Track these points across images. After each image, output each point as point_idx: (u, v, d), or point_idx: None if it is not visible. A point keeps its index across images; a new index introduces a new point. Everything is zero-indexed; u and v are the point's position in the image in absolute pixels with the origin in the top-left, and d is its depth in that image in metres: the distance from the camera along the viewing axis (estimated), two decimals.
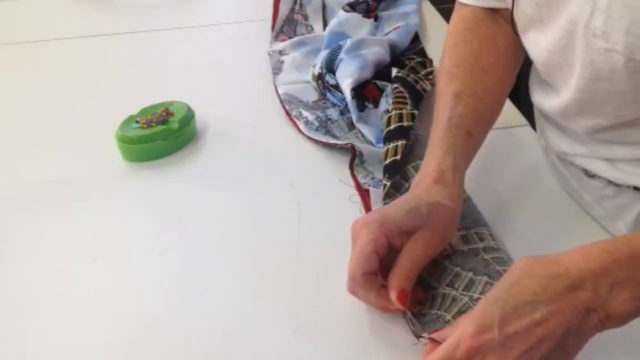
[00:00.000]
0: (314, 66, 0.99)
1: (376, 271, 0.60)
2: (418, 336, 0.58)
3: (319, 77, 0.96)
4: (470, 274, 0.62)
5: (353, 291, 0.62)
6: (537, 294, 0.50)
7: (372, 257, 0.59)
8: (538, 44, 0.66)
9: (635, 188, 0.66)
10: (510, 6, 0.68)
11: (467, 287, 0.61)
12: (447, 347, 0.52)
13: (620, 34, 0.55)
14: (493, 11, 0.74)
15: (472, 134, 0.69)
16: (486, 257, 0.63)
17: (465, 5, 0.76)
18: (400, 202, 0.63)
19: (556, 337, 0.50)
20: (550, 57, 0.64)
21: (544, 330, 0.50)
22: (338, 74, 0.94)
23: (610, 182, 0.68)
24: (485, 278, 0.61)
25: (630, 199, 0.67)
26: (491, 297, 0.52)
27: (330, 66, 0.96)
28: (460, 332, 0.51)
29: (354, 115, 0.88)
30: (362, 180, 0.79)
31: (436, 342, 0.55)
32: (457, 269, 0.63)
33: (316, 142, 0.87)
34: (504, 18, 0.73)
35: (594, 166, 0.69)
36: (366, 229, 0.60)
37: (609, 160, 0.67)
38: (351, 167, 0.81)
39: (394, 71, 0.91)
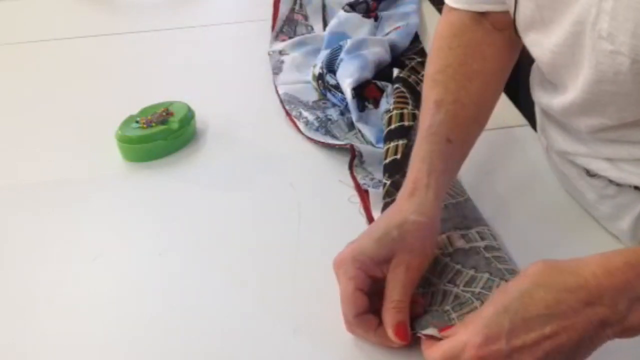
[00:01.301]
0: (314, 66, 0.99)
1: (367, 309, 0.58)
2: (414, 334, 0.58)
3: (319, 77, 0.96)
4: (471, 272, 0.62)
5: (352, 332, 0.60)
6: (550, 308, 0.49)
7: (357, 295, 0.58)
8: (540, 45, 0.65)
9: (636, 188, 0.66)
10: (510, 7, 0.68)
11: (468, 284, 0.61)
12: (451, 350, 0.52)
13: (626, 36, 0.54)
14: (481, 17, 0.73)
15: (451, 140, 0.67)
16: (487, 255, 0.63)
17: (453, 9, 0.74)
18: (370, 231, 0.62)
19: (565, 350, 0.49)
20: (554, 57, 0.64)
21: (553, 344, 0.49)
22: (338, 73, 0.94)
23: (611, 181, 0.68)
24: (486, 275, 0.61)
25: (631, 198, 0.67)
26: (501, 304, 0.51)
27: (331, 66, 0.96)
28: (466, 339, 0.50)
29: (354, 115, 0.88)
30: (361, 181, 0.79)
31: (432, 338, 0.55)
32: (458, 266, 0.63)
33: (316, 142, 0.87)
34: (492, 24, 0.73)
35: (595, 165, 0.68)
36: (341, 269, 0.59)
37: (610, 160, 0.67)
38: (350, 168, 0.81)
39: (396, 72, 0.91)
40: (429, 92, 0.70)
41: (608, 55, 0.57)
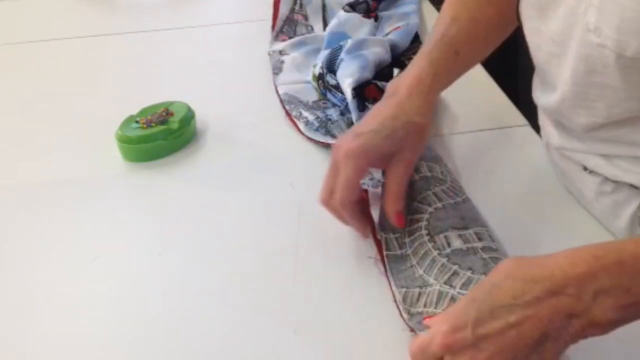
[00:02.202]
0: (314, 66, 0.99)
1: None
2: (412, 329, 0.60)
3: (320, 77, 0.96)
4: (468, 273, 0.62)
5: (329, 207, 0.69)
6: (516, 298, 0.50)
7: (359, 185, 0.67)
8: (540, 33, 0.66)
9: (632, 185, 0.66)
10: None
11: (465, 286, 0.61)
12: (422, 341, 0.53)
13: (611, 30, 0.55)
14: None
15: (459, 53, 0.73)
16: (485, 256, 0.63)
17: None
18: (377, 127, 0.68)
19: (531, 341, 0.49)
20: (553, 45, 0.65)
21: (518, 333, 0.49)
22: (339, 73, 0.94)
23: (607, 178, 0.68)
24: (483, 277, 0.61)
25: (627, 195, 0.67)
26: (470, 296, 0.52)
27: (331, 66, 0.96)
28: (436, 329, 0.52)
29: (354, 114, 0.88)
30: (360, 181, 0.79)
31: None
32: (455, 267, 0.63)
33: (316, 142, 0.87)
34: None
35: (592, 162, 0.69)
36: (350, 159, 0.66)
37: (606, 157, 0.67)
38: None
39: (396, 72, 0.91)
40: (448, 7, 0.77)
41: (595, 48, 0.58)
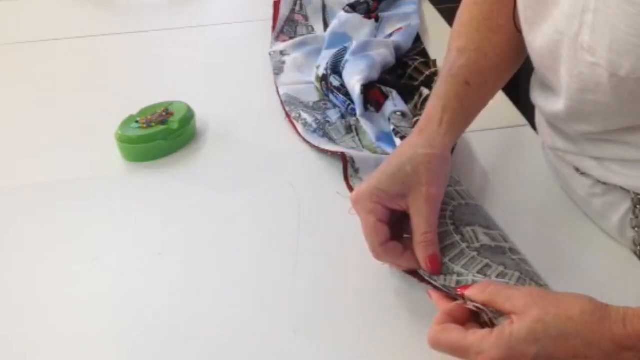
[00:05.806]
0: (317, 67, 0.99)
1: (390, 238, 0.62)
2: (455, 294, 0.58)
3: (323, 79, 0.96)
4: (501, 267, 0.61)
5: (379, 258, 0.63)
6: (578, 357, 0.50)
7: (378, 226, 0.61)
8: (529, 44, 0.67)
9: (622, 188, 0.67)
10: None
11: (501, 276, 0.60)
12: (462, 343, 0.52)
13: (604, 50, 0.56)
14: None
15: (470, 83, 0.69)
16: (513, 257, 0.63)
17: None
18: (385, 167, 0.64)
19: None
20: (540, 60, 0.66)
21: None
22: (345, 73, 0.93)
23: (598, 180, 0.69)
24: (517, 274, 0.60)
25: (618, 197, 0.68)
26: (534, 334, 0.50)
27: (336, 68, 0.95)
28: (486, 346, 0.51)
29: (358, 109, 0.87)
30: None
31: (445, 296, 0.57)
32: (487, 260, 0.61)
33: (312, 145, 0.87)
34: None
35: (584, 164, 0.69)
36: (359, 205, 0.63)
37: (597, 159, 0.67)
38: (345, 178, 0.80)
39: (425, 92, 0.90)
40: (452, 42, 0.74)
41: (589, 67, 0.58)
